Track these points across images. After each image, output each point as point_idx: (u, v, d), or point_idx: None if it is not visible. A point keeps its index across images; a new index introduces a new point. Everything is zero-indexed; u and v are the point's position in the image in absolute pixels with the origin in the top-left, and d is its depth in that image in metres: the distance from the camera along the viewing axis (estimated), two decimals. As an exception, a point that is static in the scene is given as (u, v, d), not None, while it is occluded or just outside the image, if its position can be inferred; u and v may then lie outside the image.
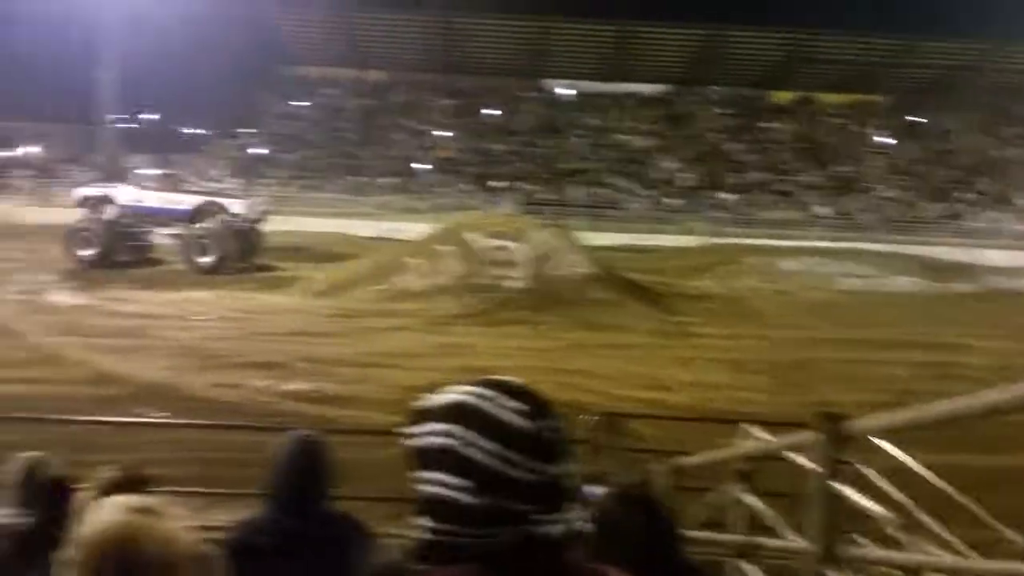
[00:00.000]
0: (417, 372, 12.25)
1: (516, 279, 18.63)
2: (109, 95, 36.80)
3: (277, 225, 31.62)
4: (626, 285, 19.87)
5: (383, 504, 5.16)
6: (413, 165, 41.19)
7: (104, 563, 1.25)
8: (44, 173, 37.03)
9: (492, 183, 38.72)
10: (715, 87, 49.56)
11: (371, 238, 28.80)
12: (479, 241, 19.73)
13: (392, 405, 10.67)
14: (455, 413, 1.13)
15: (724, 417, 8.56)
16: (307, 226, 30.98)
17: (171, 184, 24.84)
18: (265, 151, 42.05)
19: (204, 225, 22.71)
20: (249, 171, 39.09)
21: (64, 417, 8.02)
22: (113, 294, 18.08)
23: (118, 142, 38.19)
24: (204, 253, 22.06)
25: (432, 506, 1.12)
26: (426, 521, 1.13)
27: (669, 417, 9.47)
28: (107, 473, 3.14)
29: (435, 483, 1.12)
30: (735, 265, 26.54)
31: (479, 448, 1.10)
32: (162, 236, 23.43)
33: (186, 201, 23.89)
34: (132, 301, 17.27)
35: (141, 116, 59.79)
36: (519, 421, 1.12)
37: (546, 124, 46.82)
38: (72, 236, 22.01)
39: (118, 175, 35.86)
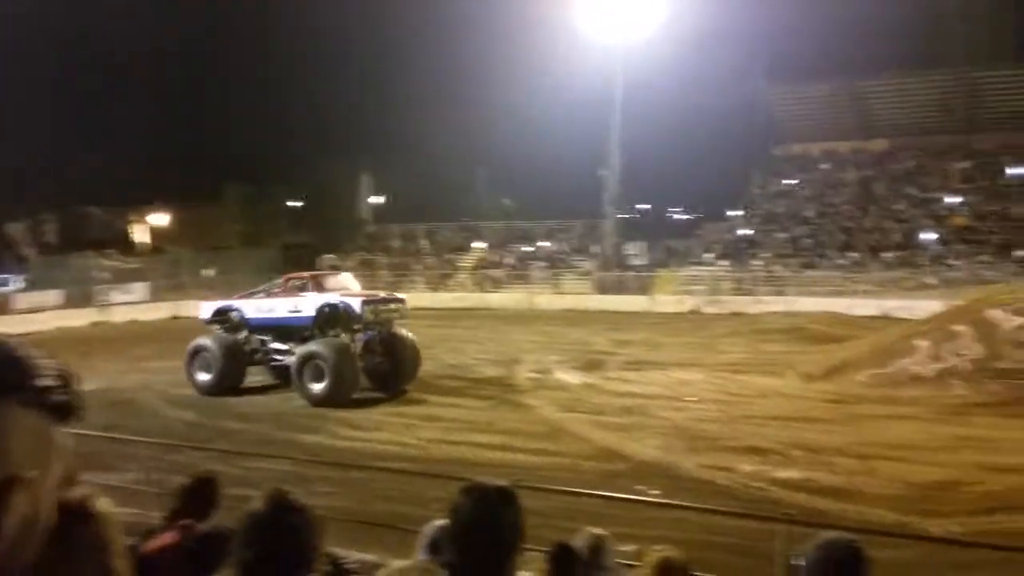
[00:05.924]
0: (926, 467, 11.05)
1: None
2: (611, 190, 41.09)
3: (768, 306, 31.36)
4: None
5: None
6: (921, 236, 37.42)
7: None
8: (555, 263, 41.89)
9: (1020, 252, 33.23)
10: None
11: (870, 317, 26.98)
12: (1006, 320, 16.98)
13: (896, 502, 9.64)
14: None
15: None
16: (800, 306, 30.26)
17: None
18: (751, 231, 42.00)
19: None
20: (740, 252, 39.36)
21: (570, 489, 8.55)
22: (612, 374, 19.17)
23: (617, 232, 42.22)
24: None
25: None
26: None
27: None
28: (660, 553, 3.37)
29: None
30: None
31: None
32: None
33: None
34: (629, 381, 18.08)
35: (638, 207, 65.01)
36: None
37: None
38: None
39: (618, 262, 39.55)
